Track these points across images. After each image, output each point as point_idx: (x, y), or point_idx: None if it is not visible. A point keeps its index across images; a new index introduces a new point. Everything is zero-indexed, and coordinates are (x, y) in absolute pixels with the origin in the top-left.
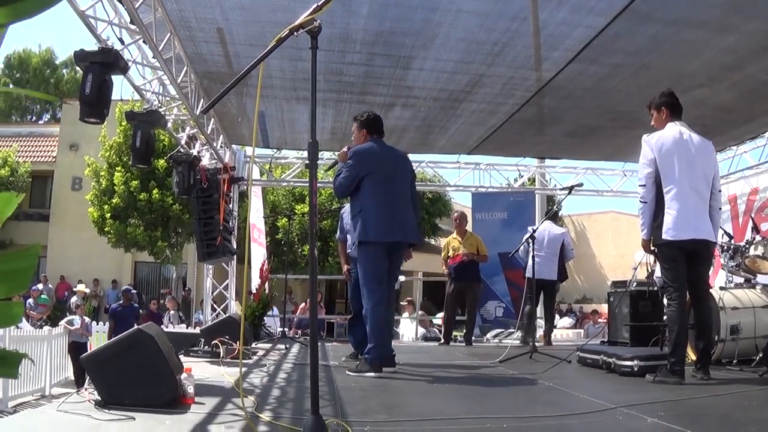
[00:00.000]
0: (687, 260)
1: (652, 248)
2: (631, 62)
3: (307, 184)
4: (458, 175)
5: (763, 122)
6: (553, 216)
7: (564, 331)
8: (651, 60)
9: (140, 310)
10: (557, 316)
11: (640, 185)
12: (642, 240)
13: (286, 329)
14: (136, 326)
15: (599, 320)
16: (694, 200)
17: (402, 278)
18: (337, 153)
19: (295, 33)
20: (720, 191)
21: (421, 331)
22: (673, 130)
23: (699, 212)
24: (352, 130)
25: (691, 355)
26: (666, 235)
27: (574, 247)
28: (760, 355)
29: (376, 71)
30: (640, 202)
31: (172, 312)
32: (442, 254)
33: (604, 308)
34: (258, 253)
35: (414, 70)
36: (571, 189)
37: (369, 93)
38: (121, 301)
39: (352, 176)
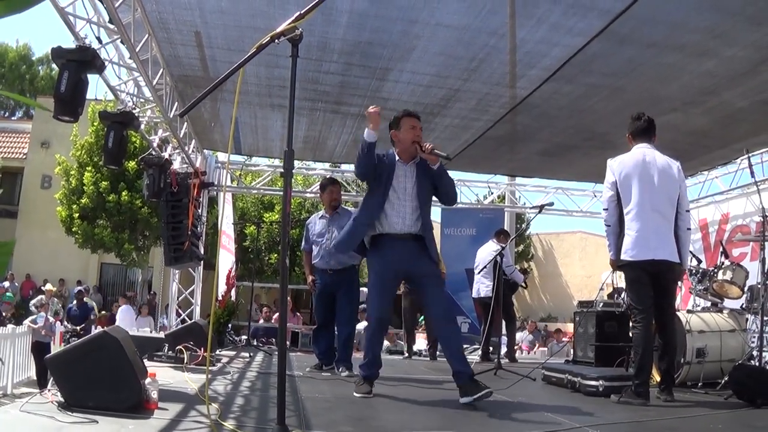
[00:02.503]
0: (652, 281)
1: (619, 268)
2: (607, 83)
3: (278, 192)
4: None
5: (736, 148)
6: (499, 234)
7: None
8: (627, 82)
9: (94, 311)
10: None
11: (603, 209)
12: (610, 260)
13: (251, 337)
14: (94, 328)
15: (563, 339)
16: (656, 221)
17: (365, 290)
18: None
19: (276, 40)
20: (688, 212)
21: (386, 344)
22: (636, 153)
23: (660, 233)
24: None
25: (656, 377)
26: (625, 255)
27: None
28: (726, 378)
29: (352, 81)
30: (605, 225)
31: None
32: None
33: (569, 327)
34: (226, 260)
35: (390, 81)
36: (541, 208)
37: (344, 103)
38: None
39: None
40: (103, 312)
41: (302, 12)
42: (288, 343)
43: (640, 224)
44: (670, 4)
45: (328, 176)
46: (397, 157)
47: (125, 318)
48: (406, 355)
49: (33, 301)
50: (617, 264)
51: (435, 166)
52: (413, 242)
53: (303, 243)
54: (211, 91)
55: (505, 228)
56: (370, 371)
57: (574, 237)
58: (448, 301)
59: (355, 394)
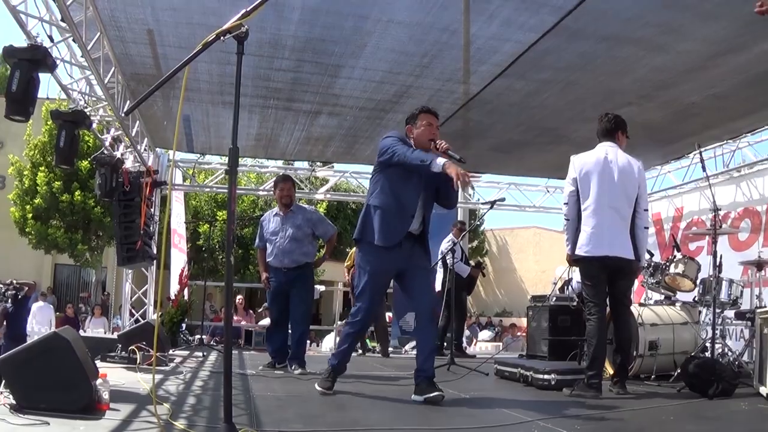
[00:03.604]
0: (608, 276)
1: (575, 262)
2: (559, 78)
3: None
4: None
5: (689, 142)
6: (454, 226)
7: (483, 343)
8: (580, 76)
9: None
10: (477, 329)
11: (563, 203)
12: (566, 254)
13: (204, 336)
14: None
15: (518, 333)
16: (612, 218)
17: (321, 288)
18: None
19: (222, 38)
20: (646, 210)
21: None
22: (599, 150)
23: (616, 230)
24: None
25: (609, 370)
26: (580, 250)
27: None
28: (678, 370)
29: (304, 78)
30: (564, 219)
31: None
32: (347, 263)
33: (523, 322)
34: (178, 259)
35: (342, 78)
36: (492, 204)
37: (296, 100)
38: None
39: None
40: (57, 313)
41: (248, 9)
42: (242, 341)
43: (596, 220)
44: (622, 0)
45: (281, 173)
46: None
47: (40, 315)
48: (360, 352)
49: None
50: (573, 259)
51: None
52: (410, 241)
53: (257, 240)
54: (156, 89)
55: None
56: (339, 360)
57: (528, 232)
58: (433, 297)
59: (317, 386)
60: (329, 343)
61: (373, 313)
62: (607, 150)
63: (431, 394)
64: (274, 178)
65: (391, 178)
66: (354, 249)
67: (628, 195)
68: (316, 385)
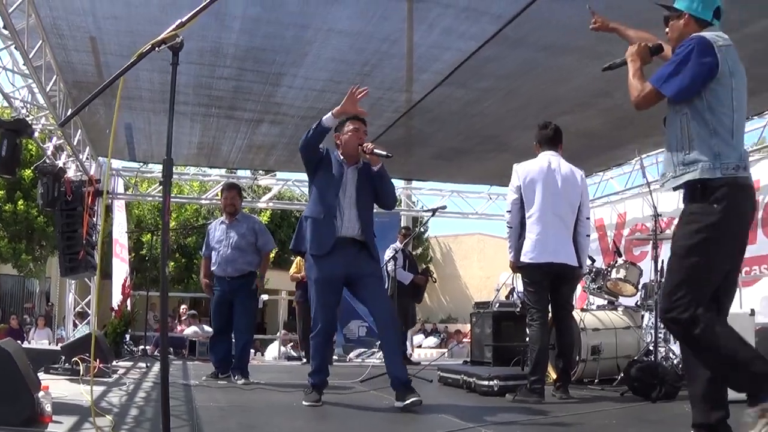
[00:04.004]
0: (551, 283)
1: (517, 269)
2: (500, 86)
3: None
4: None
5: (630, 149)
6: (399, 232)
7: (428, 350)
8: (520, 85)
9: None
10: (422, 336)
11: (507, 211)
12: (510, 261)
13: (147, 347)
14: None
15: (463, 340)
16: (556, 226)
17: (265, 297)
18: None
19: (156, 48)
20: (588, 218)
21: (284, 350)
22: (542, 159)
23: (560, 237)
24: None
25: (552, 375)
26: (525, 257)
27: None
28: (622, 374)
29: (245, 86)
30: (507, 226)
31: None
32: (292, 270)
33: (468, 328)
34: (120, 269)
35: (283, 87)
36: (434, 211)
37: (238, 108)
38: None
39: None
40: (2, 324)
41: (183, 20)
42: (185, 351)
43: (540, 228)
44: (564, 9)
45: (226, 181)
46: (341, 158)
47: None
48: (304, 361)
49: None
50: (516, 265)
51: (376, 167)
52: (354, 247)
53: (204, 249)
54: (89, 103)
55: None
56: (318, 378)
57: (472, 239)
58: (390, 302)
59: (303, 403)
60: (273, 352)
61: (331, 321)
62: (550, 159)
63: (408, 401)
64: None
65: (318, 184)
66: (298, 258)
67: (571, 203)
68: (303, 401)
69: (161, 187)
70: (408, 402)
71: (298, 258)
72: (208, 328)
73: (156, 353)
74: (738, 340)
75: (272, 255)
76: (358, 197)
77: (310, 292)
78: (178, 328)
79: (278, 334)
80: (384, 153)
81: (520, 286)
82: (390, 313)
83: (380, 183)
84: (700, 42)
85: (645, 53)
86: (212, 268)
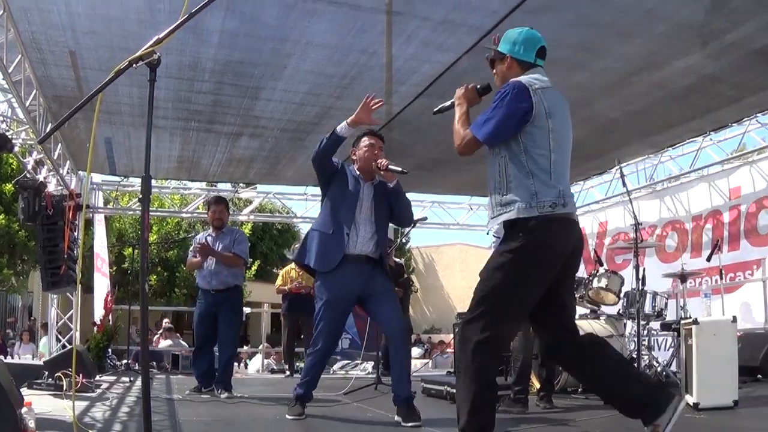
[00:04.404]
0: None
1: None
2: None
3: (157, 213)
4: (306, 207)
5: (610, 158)
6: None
7: (412, 361)
8: None
9: None
10: None
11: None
12: None
13: (130, 361)
14: None
15: (447, 350)
16: None
17: (248, 310)
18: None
19: (134, 65)
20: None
21: (267, 362)
22: None
23: None
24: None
25: (536, 384)
26: None
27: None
28: None
29: (224, 100)
30: (494, 236)
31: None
32: (278, 282)
33: (451, 338)
34: (102, 284)
35: (262, 100)
36: (415, 222)
37: (217, 122)
38: None
39: None
40: None
41: (161, 36)
42: (169, 365)
43: None
44: (541, 21)
45: (213, 195)
46: (357, 174)
47: None
48: (288, 374)
49: None
50: None
51: (392, 183)
52: (368, 264)
53: (191, 254)
54: (68, 119)
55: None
56: (304, 390)
57: (454, 249)
58: (402, 319)
59: (287, 416)
60: (256, 365)
61: (334, 342)
62: None
63: (408, 424)
64: (207, 200)
65: (332, 198)
66: (284, 270)
67: None
68: (287, 414)
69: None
70: (410, 425)
71: (284, 270)
72: (183, 342)
73: (136, 367)
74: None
75: (254, 267)
76: (374, 214)
77: (317, 308)
78: (161, 342)
79: (261, 347)
80: (399, 169)
81: None
82: (402, 330)
83: (396, 200)
84: (515, 86)
85: (472, 95)
86: (197, 281)
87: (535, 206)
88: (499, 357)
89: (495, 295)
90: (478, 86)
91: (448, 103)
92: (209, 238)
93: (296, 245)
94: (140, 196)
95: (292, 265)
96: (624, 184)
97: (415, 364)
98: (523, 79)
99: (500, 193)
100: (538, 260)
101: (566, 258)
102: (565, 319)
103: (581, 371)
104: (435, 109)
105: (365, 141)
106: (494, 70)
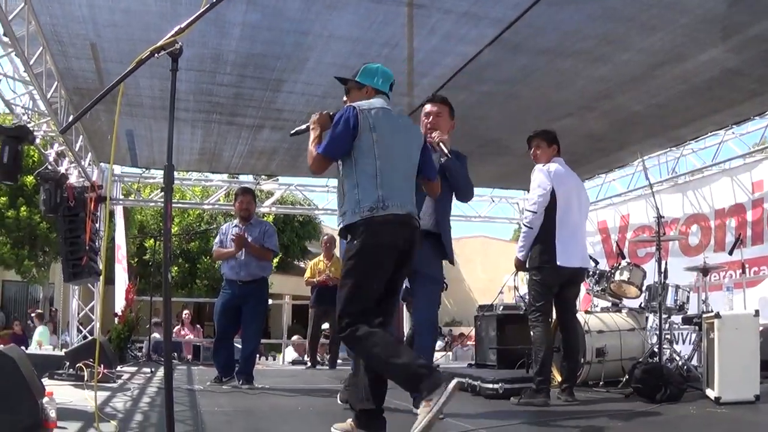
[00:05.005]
0: (562, 285)
1: (531, 270)
2: (500, 90)
3: (179, 205)
4: (327, 199)
5: (632, 151)
6: None
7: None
8: (521, 89)
9: None
10: None
11: (531, 211)
12: (516, 259)
13: (152, 352)
14: None
15: (467, 343)
16: (579, 230)
17: (269, 301)
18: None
19: (156, 55)
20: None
21: (294, 355)
22: (560, 165)
23: (581, 240)
24: (440, 111)
25: (557, 377)
26: (560, 261)
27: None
28: (626, 377)
29: (246, 93)
30: (526, 226)
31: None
32: (306, 274)
33: (472, 331)
34: (121, 275)
35: (284, 93)
36: None
37: (239, 114)
38: None
39: None
40: (6, 330)
41: (182, 26)
42: (190, 356)
43: (573, 233)
44: (563, 13)
45: (241, 186)
46: None
47: None
48: (309, 365)
49: None
50: (531, 266)
51: (443, 159)
52: (427, 240)
53: (217, 245)
54: (91, 108)
55: None
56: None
57: (476, 242)
58: (431, 309)
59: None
60: (288, 356)
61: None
62: (564, 165)
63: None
64: (234, 191)
65: None
66: (312, 262)
67: (584, 208)
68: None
69: (163, 192)
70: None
71: (312, 262)
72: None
73: (160, 358)
74: (393, 346)
75: (276, 259)
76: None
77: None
78: (181, 332)
79: (293, 338)
80: (446, 150)
81: (522, 288)
82: (426, 320)
83: (449, 176)
84: (347, 109)
85: (326, 121)
86: (223, 271)
87: (358, 212)
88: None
89: (348, 296)
90: (332, 113)
91: (304, 126)
92: (236, 229)
93: (325, 238)
94: (163, 186)
95: (321, 257)
96: (646, 177)
97: (435, 356)
98: (356, 102)
99: (340, 205)
100: (371, 258)
101: (400, 250)
102: (389, 303)
103: None
104: (292, 132)
105: (423, 111)
106: (348, 97)
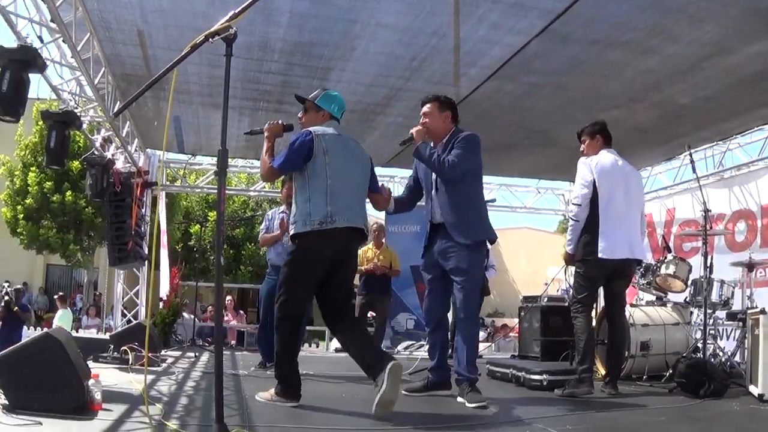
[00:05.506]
0: (609, 277)
1: (576, 262)
2: (548, 81)
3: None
4: None
5: (679, 144)
6: None
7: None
8: (569, 80)
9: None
10: None
11: (575, 203)
12: (566, 253)
13: (196, 337)
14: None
15: (510, 334)
16: (629, 222)
17: None
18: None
19: (210, 39)
20: (645, 215)
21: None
22: (609, 156)
23: (633, 233)
24: (433, 111)
25: (601, 370)
26: (602, 254)
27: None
28: (670, 371)
29: (293, 81)
30: (573, 219)
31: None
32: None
33: (515, 322)
34: (165, 260)
35: (332, 81)
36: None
37: (286, 102)
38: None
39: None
40: (50, 314)
41: (236, 11)
42: (234, 342)
43: (618, 225)
44: (612, 4)
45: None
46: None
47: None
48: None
49: None
50: (576, 259)
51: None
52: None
53: (263, 231)
54: (145, 91)
55: None
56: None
57: (520, 233)
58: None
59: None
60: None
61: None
62: (614, 157)
63: (471, 405)
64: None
65: None
66: (361, 250)
67: (637, 201)
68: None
69: (209, 179)
70: (473, 406)
71: (361, 250)
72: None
73: (200, 342)
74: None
75: None
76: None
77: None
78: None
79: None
80: (407, 137)
81: (569, 281)
82: (434, 314)
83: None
84: (304, 134)
85: (278, 130)
86: (269, 257)
87: (309, 224)
88: (297, 328)
89: (285, 287)
90: (284, 123)
91: (258, 129)
92: (283, 215)
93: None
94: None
95: (370, 245)
96: (694, 170)
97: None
98: (312, 128)
99: (293, 213)
100: (306, 262)
101: (335, 258)
102: (335, 303)
103: (345, 343)
104: (246, 131)
105: None
106: (305, 115)
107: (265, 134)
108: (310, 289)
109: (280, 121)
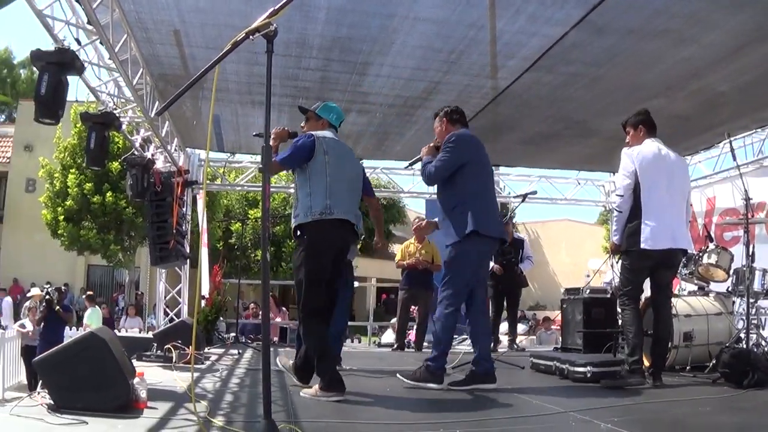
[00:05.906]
0: (654, 268)
1: (621, 253)
2: (586, 72)
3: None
4: (412, 182)
5: (718, 132)
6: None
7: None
8: (607, 70)
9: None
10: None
11: (618, 194)
12: (612, 244)
13: (239, 334)
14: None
15: (552, 327)
16: (672, 212)
17: (355, 284)
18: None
19: (251, 37)
20: (691, 205)
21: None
22: (652, 146)
23: (676, 223)
24: (435, 125)
25: (645, 362)
26: (645, 244)
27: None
28: (713, 361)
29: (332, 77)
30: (616, 210)
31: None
32: (397, 257)
33: (556, 315)
34: (206, 258)
35: (370, 76)
36: (524, 197)
37: (325, 98)
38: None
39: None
40: None
41: (276, 8)
42: (277, 338)
43: (660, 213)
44: None
45: None
46: None
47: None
48: (396, 346)
49: (25, 304)
50: (621, 249)
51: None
52: None
53: None
54: (187, 89)
55: None
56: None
57: (560, 225)
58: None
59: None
60: (388, 338)
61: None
62: (658, 146)
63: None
64: None
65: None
66: (403, 245)
67: (682, 190)
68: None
69: (249, 176)
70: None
71: (403, 245)
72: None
73: (243, 340)
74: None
75: (360, 243)
76: None
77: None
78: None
79: (391, 321)
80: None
81: (611, 273)
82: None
83: None
84: (307, 135)
85: (285, 135)
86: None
87: (310, 215)
88: (325, 320)
89: (302, 284)
90: (290, 130)
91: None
92: None
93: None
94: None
95: (412, 240)
96: (734, 159)
97: (521, 340)
98: (314, 132)
99: (294, 208)
100: (318, 250)
101: (338, 246)
102: (331, 291)
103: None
104: (254, 133)
105: None
106: (306, 123)
107: (272, 137)
108: (324, 276)
109: (286, 128)
